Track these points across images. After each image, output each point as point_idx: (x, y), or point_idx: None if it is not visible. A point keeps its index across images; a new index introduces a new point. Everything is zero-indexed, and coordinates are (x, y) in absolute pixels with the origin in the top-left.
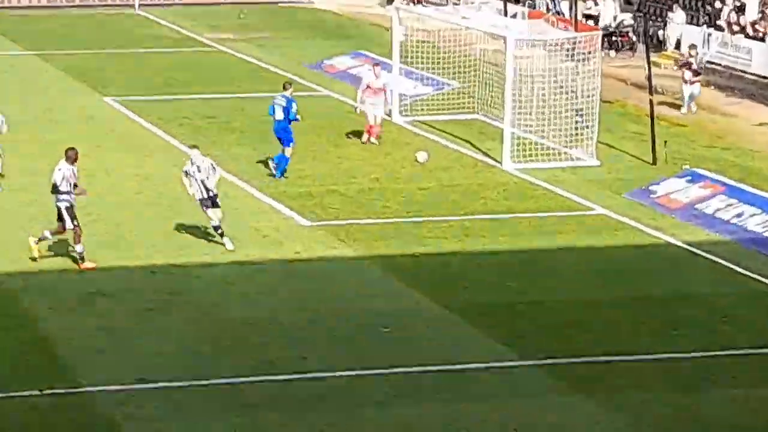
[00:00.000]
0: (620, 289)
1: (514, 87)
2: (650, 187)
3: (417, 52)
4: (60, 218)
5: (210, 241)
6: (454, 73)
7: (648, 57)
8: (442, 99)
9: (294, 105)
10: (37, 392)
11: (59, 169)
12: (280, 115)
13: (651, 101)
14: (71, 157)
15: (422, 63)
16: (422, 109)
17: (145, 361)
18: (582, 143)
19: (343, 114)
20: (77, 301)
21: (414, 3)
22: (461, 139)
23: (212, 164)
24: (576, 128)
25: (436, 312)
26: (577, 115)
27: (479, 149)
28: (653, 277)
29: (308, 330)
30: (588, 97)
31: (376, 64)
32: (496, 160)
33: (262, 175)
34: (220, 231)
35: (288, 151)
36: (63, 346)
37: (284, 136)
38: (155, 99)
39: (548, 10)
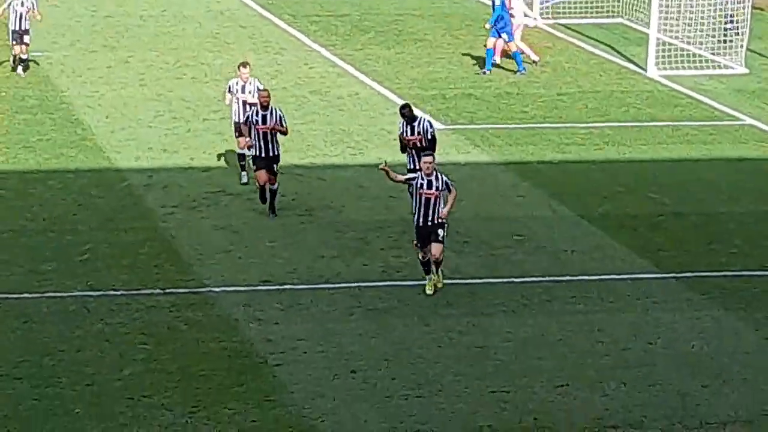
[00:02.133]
0: (766, 203)
1: None
2: None
3: None
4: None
5: (340, 142)
6: None
7: None
8: (585, 1)
9: None
10: (159, 291)
11: None
12: None
13: None
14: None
15: None
16: (564, 12)
17: (270, 263)
18: (731, 50)
19: (479, 16)
20: (202, 200)
21: None
22: (604, 43)
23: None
24: (725, 35)
25: (572, 221)
26: (727, 21)
27: (622, 55)
28: None
29: None
30: (739, 2)
31: None
32: (640, 67)
33: (395, 76)
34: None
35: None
36: (186, 246)
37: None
38: None
39: None
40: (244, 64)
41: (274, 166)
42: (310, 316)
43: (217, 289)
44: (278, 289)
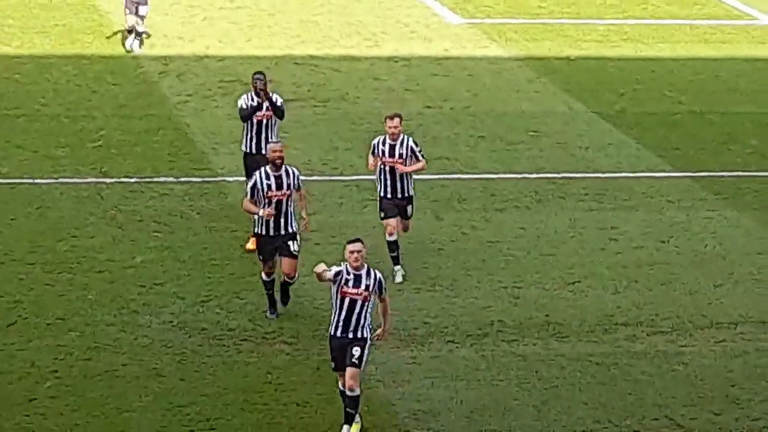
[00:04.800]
0: None
1: None
2: None
3: None
4: None
5: (355, 34)
6: None
7: None
8: None
9: None
10: (172, 179)
11: None
12: None
13: None
14: None
15: None
16: None
17: (285, 152)
18: None
19: None
20: (217, 90)
21: None
22: None
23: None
24: None
25: (588, 118)
26: None
27: None
28: None
29: (453, 128)
30: None
31: None
32: None
33: None
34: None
35: None
36: (200, 135)
37: None
38: None
39: None
40: (392, 117)
41: (292, 243)
42: (323, 207)
43: (230, 179)
44: None
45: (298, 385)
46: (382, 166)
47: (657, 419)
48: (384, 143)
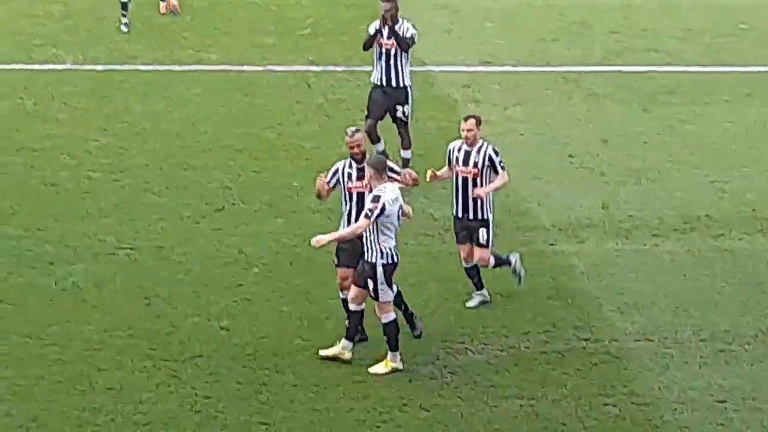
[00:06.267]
0: None
1: None
2: None
3: None
4: None
5: None
6: None
7: None
8: None
9: None
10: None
11: None
12: None
13: None
14: None
15: None
16: None
17: (490, 44)
18: None
19: None
20: None
21: None
22: None
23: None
24: None
25: None
26: None
27: None
28: None
29: (660, 21)
30: None
31: None
32: None
33: None
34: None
35: None
36: None
37: None
38: None
39: None
40: (466, 118)
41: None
42: (529, 99)
43: (436, 69)
44: (498, 71)
45: (499, 277)
46: (455, 177)
47: None
48: (459, 149)
